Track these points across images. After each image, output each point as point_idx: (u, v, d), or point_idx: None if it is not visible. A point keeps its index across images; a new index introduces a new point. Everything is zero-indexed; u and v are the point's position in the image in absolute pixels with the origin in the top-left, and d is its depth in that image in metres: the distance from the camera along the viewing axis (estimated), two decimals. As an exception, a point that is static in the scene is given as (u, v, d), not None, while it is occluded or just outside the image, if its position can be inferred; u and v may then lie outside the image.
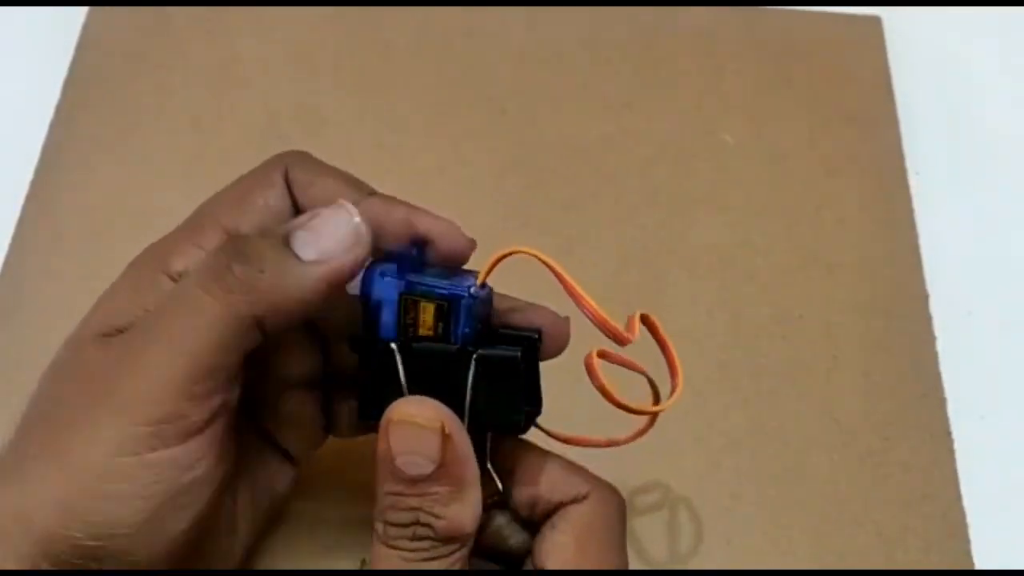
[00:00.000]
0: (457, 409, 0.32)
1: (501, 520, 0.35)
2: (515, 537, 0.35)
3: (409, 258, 0.33)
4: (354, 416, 0.34)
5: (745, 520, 0.43)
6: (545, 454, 0.35)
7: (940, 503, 0.43)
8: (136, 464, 0.29)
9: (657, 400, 0.36)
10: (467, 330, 0.32)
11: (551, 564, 0.32)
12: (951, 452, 0.45)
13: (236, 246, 0.31)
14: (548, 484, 0.34)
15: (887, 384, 0.46)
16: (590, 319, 0.32)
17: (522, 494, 0.34)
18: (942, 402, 0.46)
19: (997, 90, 0.56)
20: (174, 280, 0.32)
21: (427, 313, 0.32)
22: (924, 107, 0.55)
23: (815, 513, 0.43)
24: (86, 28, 0.55)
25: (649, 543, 0.42)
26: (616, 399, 0.33)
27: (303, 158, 0.35)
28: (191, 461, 0.30)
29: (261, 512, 0.36)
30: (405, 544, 0.31)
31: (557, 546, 0.33)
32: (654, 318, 0.35)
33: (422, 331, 0.32)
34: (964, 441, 0.45)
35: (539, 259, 0.32)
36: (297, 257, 0.31)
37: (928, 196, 0.52)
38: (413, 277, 0.32)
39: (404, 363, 0.32)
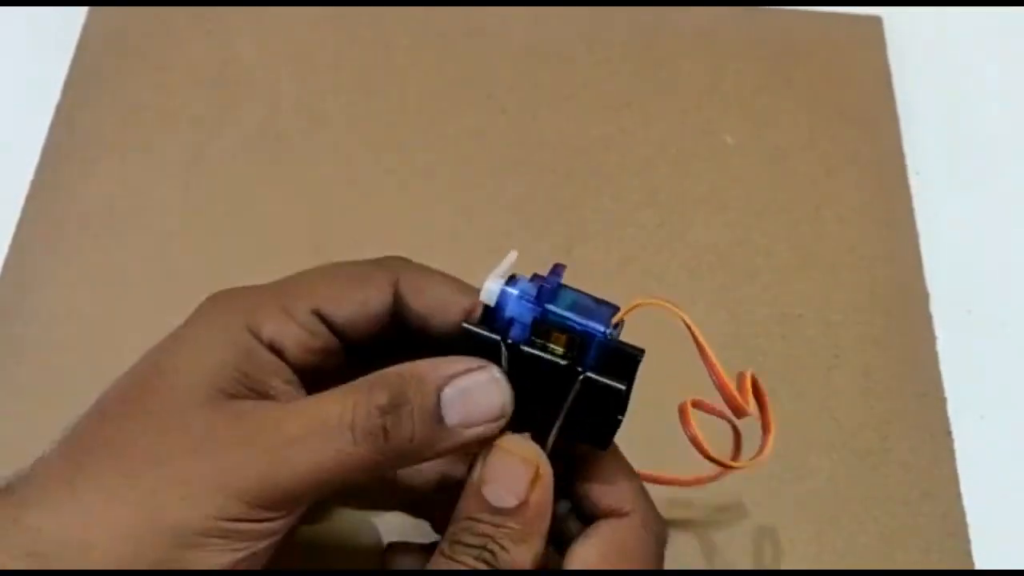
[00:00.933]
0: (548, 421, 0.32)
1: (563, 507, 0.35)
2: (575, 525, 0.35)
3: (551, 286, 0.33)
4: None
5: (745, 519, 0.43)
6: (611, 454, 0.34)
7: (940, 502, 0.43)
8: (231, 528, 0.30)
9: (738, 451, 0.36)
10: (593, 362, 0.32)
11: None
12: (951, 451, 0.45)
13: (396, 409, 0.31)
14: (599, 486, 0.34)
15: (887, 383, 0.46)
16: (715, 384, 0.33)
17: (578, 487, 0.34)
18: (942, 401, 0.46)
19: (997, 90, 0.56)
20: (266, 347, 0.33)
21: (558, 342, 0.32)
22: (924, 107, 0.55)
23: (815, 513, 0.43)
24: (86, 28, 0.55)
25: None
26: (707, 451, 0.34)
27: (411, 265, 0.36)
28: (272, 533, 0.31)
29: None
30: (466, 560, 0.31)
31: (581, 558, 0.33)
32: (760, 382, 0.35)
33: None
34: (964, 440, 0.45)
35: (682, 320, 0.34)
36: (443, 421, 0.31)
37: (928, 195, 0.52)
38: (551, 306, 0.32)
39: (509, 363, 0.32)
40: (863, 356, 0.47)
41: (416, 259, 0.46)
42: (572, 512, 0.35)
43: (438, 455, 0.32)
